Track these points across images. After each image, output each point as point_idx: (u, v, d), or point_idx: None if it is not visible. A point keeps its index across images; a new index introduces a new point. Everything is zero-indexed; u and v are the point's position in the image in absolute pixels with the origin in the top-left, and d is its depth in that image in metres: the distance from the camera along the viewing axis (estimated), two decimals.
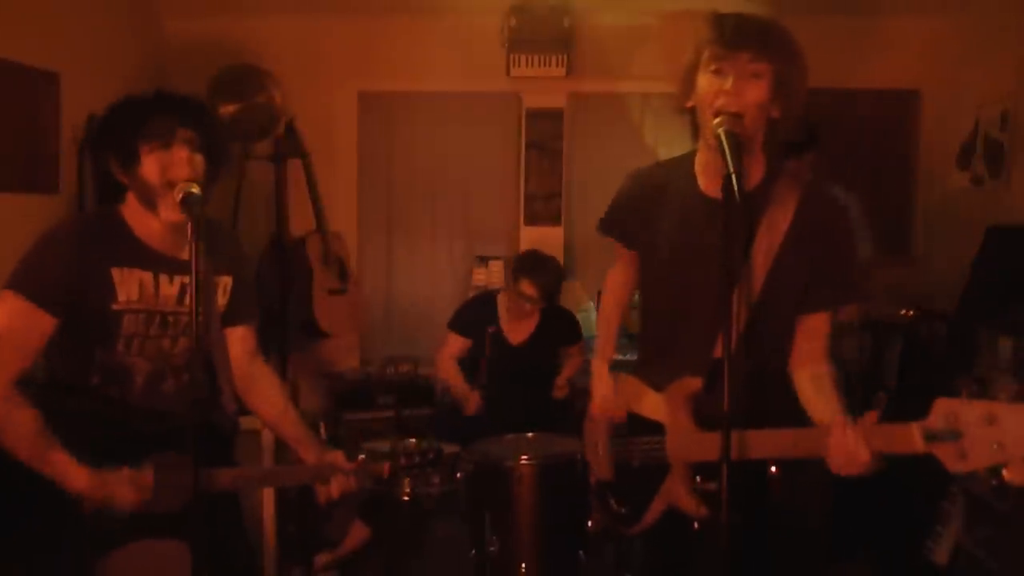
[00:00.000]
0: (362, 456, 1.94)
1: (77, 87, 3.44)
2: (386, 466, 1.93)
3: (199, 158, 1.73)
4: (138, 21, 4.21)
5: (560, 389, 3.65)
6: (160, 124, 1.71)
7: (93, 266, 1.73)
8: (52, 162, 3.43)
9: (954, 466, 1.31)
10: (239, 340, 2.01)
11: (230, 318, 1.98)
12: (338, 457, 1.91)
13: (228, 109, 3.80)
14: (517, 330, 3.60)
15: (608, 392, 1.94)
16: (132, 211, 1.80)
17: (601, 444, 1.94)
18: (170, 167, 1.70)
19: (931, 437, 1.33)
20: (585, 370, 3.77)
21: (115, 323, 1.76)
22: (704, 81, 1.58)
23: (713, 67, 1.56)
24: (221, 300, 1.94)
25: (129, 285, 1.77)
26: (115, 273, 1.75)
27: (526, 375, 3.58)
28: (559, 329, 3.68)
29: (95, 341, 1.77)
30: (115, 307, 1.75)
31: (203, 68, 3.87)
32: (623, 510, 1.88)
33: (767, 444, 1.52)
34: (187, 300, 1.83)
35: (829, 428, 1.46)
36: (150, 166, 1.71)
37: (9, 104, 3.19)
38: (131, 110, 1.74)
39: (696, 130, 1.67)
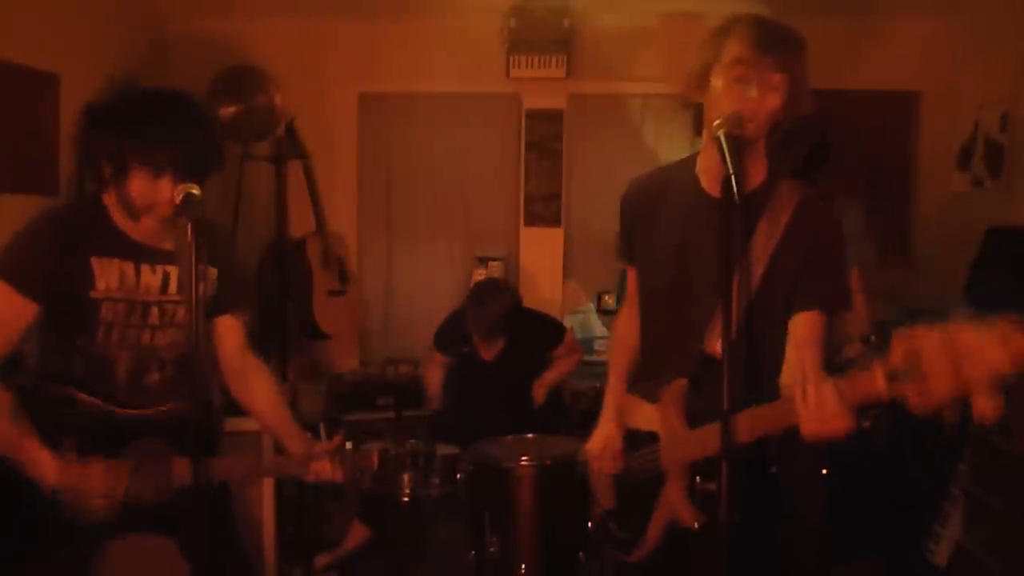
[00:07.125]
0: (349, 444, 1.94)
1: (77, 88, 3.43)
2: (375, 455, 1.94)
3: (182, 188, 1.72)
4: (138, 22, 4.21)
5: (538, 393, 3.55)
6: (153, 151, 1.71)
7: (73, 255, 1.76)
8: (52, 163, 3.43)
9: (918, 405, 1.20)
10: (229, 333, 2.01)
11: (216, 307, 1.97)
12: (337, 441, 1.92)
13: (228, 110, 3.80)
14: (489, 346, 3.55)
15: (611, 438, 1.89)
16: (114, 201, 1.81)
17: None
18: (154, 197, 1.74)
19: (894, 377, 1.23)
20: (579, 374, 3.74)
21: (94, 311, 1.79)
22: (721, 83, 1.57)
23: (736, 72, 1.55)
24: (207, 290, 1.94)
25: (108, 274, 1.79)
26: (95, 262, 1.78)
27: (501, 389, 3.52)
28: (533, 337, 3.61)
29: (76, 330, 1.80)
30: (93, 295, 1.78)
31: (203, 69, 3.86)
32: (625, 535, 1.85)
33: (747, 426, 1.48)
34: (170, 289, 1.87)
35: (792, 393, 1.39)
36: (137, 187, 1.74)
37: (9, 105, 3.19)
38: (127, 118, 1.75)
39: (700, 126, 1.66)
